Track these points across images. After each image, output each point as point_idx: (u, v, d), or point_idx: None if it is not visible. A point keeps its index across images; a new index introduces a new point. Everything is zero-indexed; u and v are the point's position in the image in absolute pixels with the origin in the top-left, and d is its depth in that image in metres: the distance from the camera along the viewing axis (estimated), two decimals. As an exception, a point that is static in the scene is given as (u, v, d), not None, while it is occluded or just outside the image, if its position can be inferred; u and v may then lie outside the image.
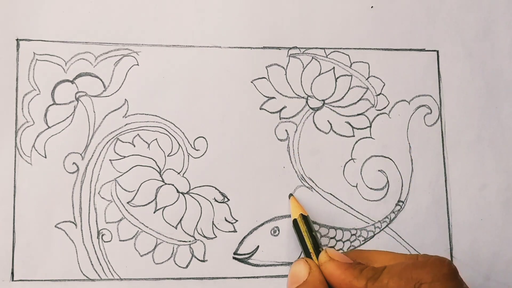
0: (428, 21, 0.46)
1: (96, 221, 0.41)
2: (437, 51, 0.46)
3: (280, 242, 0.43)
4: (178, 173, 0.43)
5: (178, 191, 0.42)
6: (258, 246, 0.42)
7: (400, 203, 0.44)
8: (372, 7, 0.46)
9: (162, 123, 0.43)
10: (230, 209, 0.43)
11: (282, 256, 0.43)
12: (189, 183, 0.42)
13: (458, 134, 0.45)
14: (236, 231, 0.43)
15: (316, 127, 0.44)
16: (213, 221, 0.42)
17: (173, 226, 0.42)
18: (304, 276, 0.36)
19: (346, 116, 0.44)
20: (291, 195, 0.43)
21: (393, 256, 0.36)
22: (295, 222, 0.41)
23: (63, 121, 0.42)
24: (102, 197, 0.42)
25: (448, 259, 0.34)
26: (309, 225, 0.40)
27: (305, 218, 0.40)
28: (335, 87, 0.45)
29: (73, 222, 0.41)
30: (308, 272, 0.36)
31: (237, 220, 0.43)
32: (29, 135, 0.41)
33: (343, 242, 0.43)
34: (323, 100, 0.44)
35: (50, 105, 0.42)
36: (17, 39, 0.42)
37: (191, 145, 0.43)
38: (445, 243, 0.44)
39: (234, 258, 0.42)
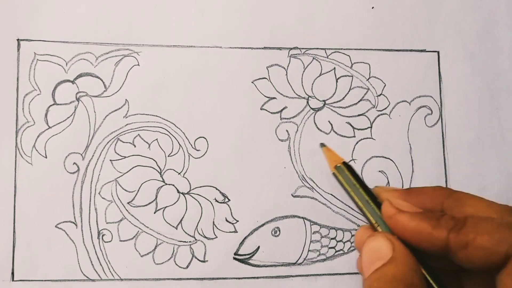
0: (429, 22, 0.46)
1: (97, 221, 0.41)
2: (438, 52, 0.46)
3: (280, 242, 0.43)
4: (179, 174, 0.42)
5: (178, 192, 0.42)
6: (258, 247, 0.42)
7: (401, 204, 0.44)
8: (373, 7, 0.46)
9: (163, 123, 0.43)
10: (230, 209, 0.43)
11: (283, 256, 0.43)
12: (189, 184, 0.42)
13: (459, 135, 0.45)
14: (237, 232, 0.43)
15: (317, 128, 0.44)
16: (213, 222, 0.42)
17: (173, 226, 0.42)
18: (388, 252, 0.31)
19: (347, 116, 0.44)
20: (322, 144, 0.38)
21: (486, 204, 0.32)
22: (340, 169, 0.36)
23: (63, 121, 0.42)
24: (103, 197, 0.42)
25: None
26: (354, 174, 0.35)
27: (348, 166, 0.35)
28: (336, 88, 0.45)
29: (73, 222, 0.41)
30: (391, 247, 0.31)
31: (237, 221, 0.43)
32: (29, 135, 0.41)
33: (344, 243, 0.43)
34: (324, 101, 0.44)
35: (51, 105, 0.42)
36: (17, 39, 0.42)
37: (191, 145, 0.43)
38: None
39: (234, 258, 0.42)
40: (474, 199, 0.33)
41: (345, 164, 0.36)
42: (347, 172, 0.35)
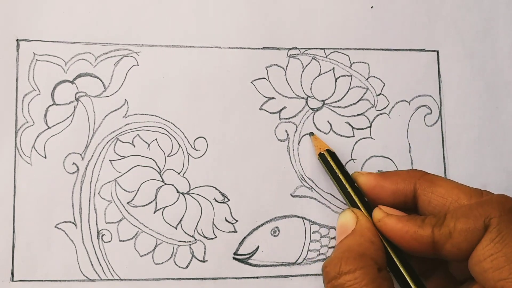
0: (428, 21, 0.46)
1: (96, 221, 0.41)
2: (437, 51, 0.46)
3: (280, 242, 0.43)
4: (178, 173, 0.43)
5: (178, 191, 0.42)
6: (258, 247, 0.42)
7: (400, 204, 0.44)
8: (372, 7, 0.46)
9: (162, 123, 0.43)
10: (230, 209, 0.43)
11: (282, 256, 0.43)
12: (189, 183, 0.42)
13: (458, 134, 0.45)
14: (236, 232, 0.43)
15: (316, 128, 0.44)
16: (213, 222, 0.42)
17: (173, 226, 0.42)
18: (352, 225, 0.36)
19: (346, 116, 0.44)
20: (311, 133, 0.43)
21: (455, 186, 0.36)
22: (322, 156, 0.41)
23: (63, 121, 0.42)
24: (102, 198, 0.42)
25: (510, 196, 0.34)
26: (337, 161, 0.40)
27: (332, 154, 0.41)
28: (335, 88, 0.45)
29: (73, 223, 0.41)
30: (355, 221, 0.36)
31: (237, 220, 0.43)
32: (29, 136, 0.41)
33: (343, 243, 0.43)
34: (323, 101, 0.44)
35: (50, 106, 0.42)
36: (17, 40, 0.42)
37: (191, 145, 0.43)
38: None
39: (234, 258, 0.42)
40: (445, 180, 0.37)
41: (328, 151, 0.41)
42: (329, 159, 0.41)
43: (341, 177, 0.40)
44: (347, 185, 0.40)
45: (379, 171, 0.44)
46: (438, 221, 0.34)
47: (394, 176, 0.39)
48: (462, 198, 0.35)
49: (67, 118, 0.42)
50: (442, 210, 0.35)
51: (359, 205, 0.38)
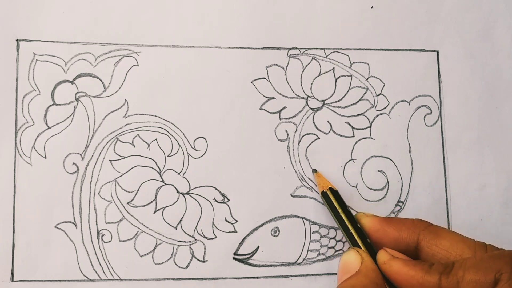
0: (428, 21, 0.46)
1: (96, 221, 0.41)
2: (437, 51, 0.46)
3: (280, 242, 0.43)
4: (178, 174, 0.43)
5: (178, 192, 0.42)
6: (258, 247, 0.42)
7: (400, 204, 0.44)
8: (372, 7, 0.46)
9: (162, 123, 0.43)
10: (230, 209, 0.43)
11: (282, 256, 0.43)
12: (189, 184, 0.42)
13: (458, 135, 0.45)
14: (236, 232, 0.43)
15: (316, 128, 0.44)
16: (213, 222, 0.42)
17: (173, 226, 0.42)
18: (357, 266, 0.36)
19: (346, 116, 0.44)
20: (315, 170, 0.43)
21: (460, 239, 0.36)
22: (324, 195, 0.41)
23: (63, 121, 0.42)
24: (102, 198, 0.42)
25: None
26: (340, 200, 0.41)
27: (335, 192, 0.41)
28: (335, 88, 0.45)
29: (73, 223, 0.41)
30: (360, 262, 0.36)
31: (237, 221, 0.43)
32: (29, 136, 0.41)
33: (343, 243, 0.43)
34: (323, 101, 0.44)
35: (50, 106, 0.42)
36: (17, 40, 0.42)
37: (191, 145, 0.43)
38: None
39: (234, 258, 0.42)
40: (449, 233, 0.37)
41: (331, 190, 0.41)
42: (332, 198, 0.41)
43: (343, 217, 0.40)
44: (349, 226, 0.39)
45: (379, 171, 0.44)
46: (446, 269, 0.33)
47: (398, 223, 0.38)
48: (467, 252, 0.35)
49: (67, 118, 0.42)
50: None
51: (361, 246, 0.38)
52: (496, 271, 0.32)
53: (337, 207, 0.40)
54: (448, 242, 0.36)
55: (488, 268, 0.32)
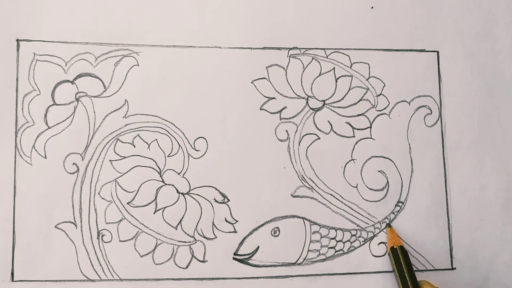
0: (428, 22, 0.46)
1: (96, 221, 0.41)
2: (437, 52, 0.46)
3: (280, 242, 0.43)
4: (178, 174, 0.42)
5: (178, 192, 0.42)
6: (258, 247, 0.42)
7: (400, 204, 0.44)
8: (372, 7, 0.46)
9: (162, 123, 0.43)
10: (230, 209, 0.43)
11: (282, 256, 0.43)
12: (189, 184, 0.42)
13: (458, 135, 0.45)
14: (236, 232, 0.43)
15: (317, 128, 0.44)
16: (213, 222, 0.42)
17: (173, 226, 0.42)
18: None
19: (347, 116, 0.44)
20: (389, 225, 0.44)
21: None
22: (394, 251, 0.42)
23: (63, 121, 0.42)
24: (102, 198, 0.42)
25: None
26: (408, 260, 0.41)
27: (403, 250, 0.42)
28: (336, 88, 0.45)
29: (73, 223, 0.41)
30: None
31: (237, 221, 0.43)
32: (29, 136, 0.41)
33: (343, 243, 0.43)
34: (324, 101, 0.44)
35: (50, 106, 0.42)
36: (17, 40, 0.42)
37: (191, 145, 0.43)
38: (445, 243, 0.44)
39: (234, 258, 0.42)
40: None
41: (402, 248, 0.42)
42: (400, 256, 0.41)
43: (407, 276, 0.41)
44: (411, 286, 0.40)
45: (379, 171, 0.44)
46: None
47: None
48: None
49: (67, 118, 0.42)
50: None
51: None
52: None
53: (404, 267, 0.41)
54: None
55: None
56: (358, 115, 0.45)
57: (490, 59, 0.46)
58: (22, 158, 0.41)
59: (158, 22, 0.44)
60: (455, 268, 0.44)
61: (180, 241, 0.42)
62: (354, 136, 0.44)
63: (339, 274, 0.43)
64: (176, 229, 0.42)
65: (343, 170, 0.44)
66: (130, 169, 0.42)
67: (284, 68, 0.44)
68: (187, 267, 0.42)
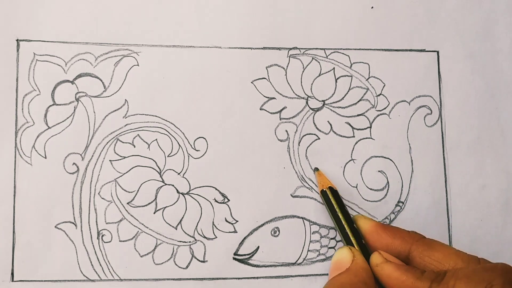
0: (428, 22, 0.46)
1: (96, 221, 0.41)
2: (438, 52, 0.46)
3: (280, 242, 0.43)
4: (178, 174, 0.43)
5: (178, 192, 0.42)
6: (258, 247, 0.42)
7: (400, 204, 0.44)
8: (372, 7, 0.46)
9: (162, 123, 0.43)
10: (230, 209, 0.43)
11: (283, 256, 0.43)
12: (189, 184, 0.42)
13: (458, 135, 0.45)
14: (236, 232, 0.43)
15: (316, 128, 0.44)
16: (213, 222, 0.42)
17: (173, 226, 0.42)
18: (347, 263, 0.36)
19: (346, 116, 0.44)
20: (316, 169, 0.43)
21: (453, 252, 0.36)
22: (324, 193, 0.41)
23: (63, 121, 0.42)
24: (102, 198, 0.42)
25: None
26: (339, 199, 0.41)
27: (334, 192, 0.41)
28: (335, 88, 0.45)
29: (73, 223, 0.41)
30: (351, 260, 0.36)
31: (237, 221, 0.43)
32: (29, 136, 0.41)
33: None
34: (323, 101, 0.44)
35: (50, 106, 0.42)
36: (17, 40, 0.42)
37: (191, 145, 0.43)
38: (445, 243, 0.44)
39: (234, 258, 0.42)
40: (443, 246, 0.37)
41: (331, 189, 0.41)
42: (330, 197, 0.41)
43: (340, 216, 0.40)
44: (345, 225, 0.40)
45: (379, 171, 0.44)
46: (438, 277, 0.33)
47: (394, 230, 0.39)
48: (460, 265, 0.35)
49: (67, 118, 0.42)
50: None
51: (355, 245, 0.39)
52: (487, 282, 0.32)
53: (335, 206, 0.41)
54: (441, 254, 0.36)
55: (479, 279, 0.32)
56: (358, 115, 0.45)
57: (490, 59, 0.46)
58: (22, 158, 0.41)
59: (158, 22, 0.44)
60: (455, 268, 0.44)
61: (180, 241, 0.42)
62: (354, 136, 0.44)
63: (339, 274, 0.43)
64: (176, 229, 0.42)
65: (343, 170, 0.44)
66: (130, 169, 0.42)
67: (284, 68, 0.44)
68: (187, 267, 0.42)
